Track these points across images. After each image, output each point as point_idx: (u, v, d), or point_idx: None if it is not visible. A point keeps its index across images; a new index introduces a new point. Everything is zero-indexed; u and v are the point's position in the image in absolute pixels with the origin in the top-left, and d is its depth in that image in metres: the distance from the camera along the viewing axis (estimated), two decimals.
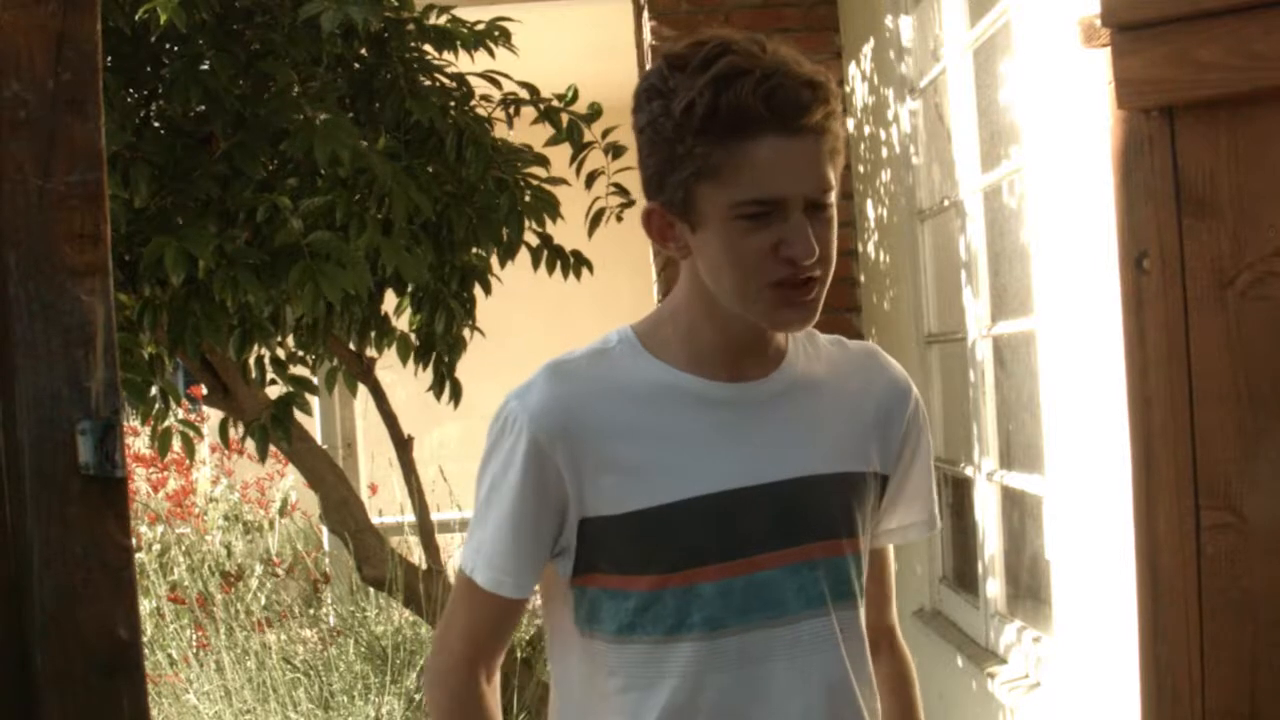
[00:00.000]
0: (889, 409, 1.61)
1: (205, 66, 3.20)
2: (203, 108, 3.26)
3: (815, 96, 1.40)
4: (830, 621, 1.52)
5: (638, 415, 1.50)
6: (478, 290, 3.85)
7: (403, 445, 4.24)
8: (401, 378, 4.16)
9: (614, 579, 1.49)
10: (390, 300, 3.81)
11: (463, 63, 3.68)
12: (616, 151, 3.78)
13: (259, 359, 3.71)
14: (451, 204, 3.57)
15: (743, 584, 1.48)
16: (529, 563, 1.52)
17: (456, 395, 3.82)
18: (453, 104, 3.64)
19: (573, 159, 3.79)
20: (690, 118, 1.39)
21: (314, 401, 4.64)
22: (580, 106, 3.83)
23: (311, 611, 5.68)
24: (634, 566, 1.48)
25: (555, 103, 3.80)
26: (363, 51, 3.60)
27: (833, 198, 1.44)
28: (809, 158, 1.41)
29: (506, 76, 3.72)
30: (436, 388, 3.84)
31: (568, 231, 3.83)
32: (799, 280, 1.42)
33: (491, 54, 3.66)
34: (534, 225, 3.75)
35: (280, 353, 3.70)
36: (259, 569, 5.97)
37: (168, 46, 3.36)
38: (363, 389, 4.18)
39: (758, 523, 1.49)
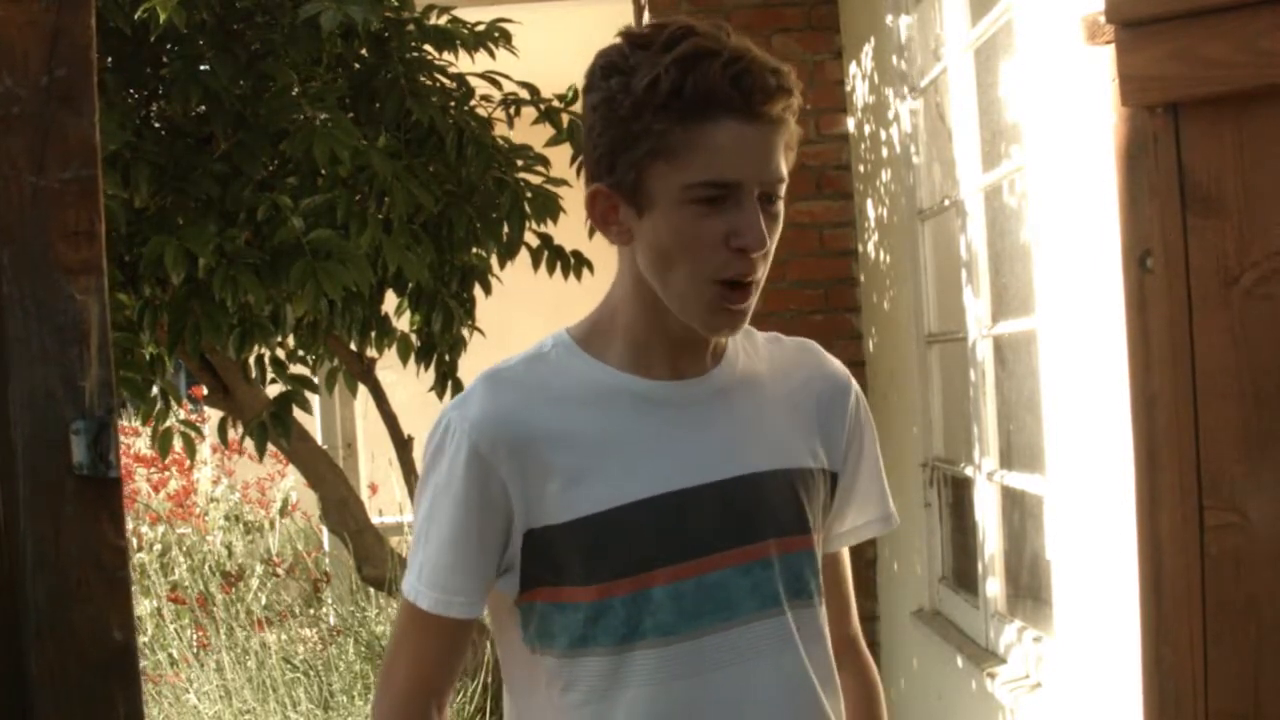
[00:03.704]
0: (830, 404, 1.58)
1: (205, 66, 3.19)
2: (203, 108, 3.26)
3: (780, 85, 1.38)
4: (786, 621, 1.49)
5: (579, 420, 1.46)
6: (478, 290, 3.84)
7: (403, 445, 4.24)
8: (402, 378, 4.16)
9: (562, 591, 1.45)
10: (390, 301, 3.81)
11: (463, 63, 3.68)
12: None
13: (259, 358, 3.71)
14: (452, 203, 3.56)
15: (694, 586, 1.45)
16: (477, 580, 1.47)
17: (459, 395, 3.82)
18: (453, 104, 3.63)
19: (573, 159, 3.79)
20: (653, 94, 1.36)
21: (314, 401, 4.64)
22: (580, 107, 3.82)
23: (311, 611, 5.68)
24: (581, 576, 1.44)
25: (555, 103, 3.80)
26: (363, 51, 3.60)
27: (783, 190, 1.43)
28: (766, 146, 1.39)
29: (506, 77, 3.72)
30: (439, 387, 3.84)
31: (568, 231, 3.82)
32: (740, 281, 1.40)
33: (492, 54, 3.65)
34: (534, 225, 3.75)
35: (280, 352, 3.70)
36: (259, 569, 5.97)
37: (168, 46, 3.36)
38: (363, 389, 4.18)
39: (707, 522, 1.46)
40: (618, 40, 1.44)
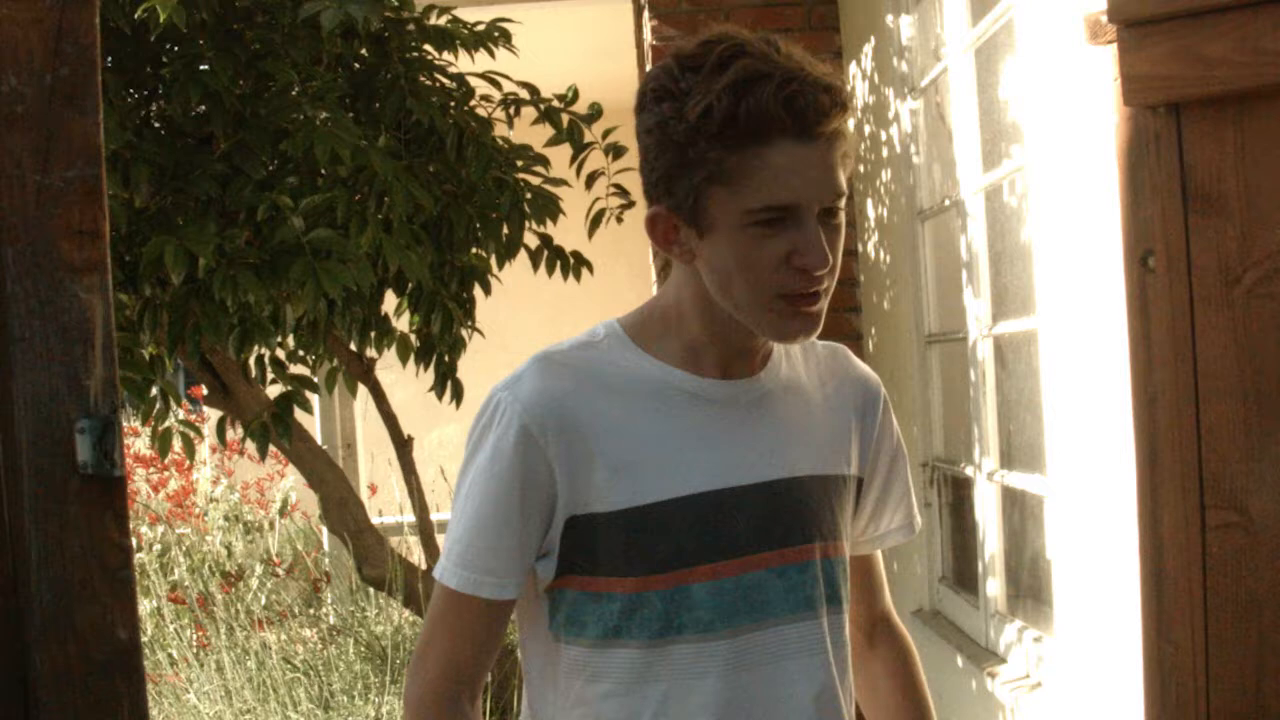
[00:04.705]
0: (864, 409, 1.60)
1: (205, 66, 3.19)
2: (203, 108, 3.26)
3: (834, 102, 1.37)
4: (818, 625, 1.50)
5: (629, 410, 1.46)
6: (478, 290, 3.84)
7: (403, 445, 4.24)
8: (401, 378, 4.16)
9: (598, 581, 1.45)
10: (390, 301, 3.81)
11: (463, 63, 3.68)
12: (617, 152, 3.78)
13: (259, 358, 3.71)
14: (452, 204, 3.56)
15: (732, 585, 1.46)
16: (512, 561, 1.45)
17: (458, 395, 3.82)
18: (453, 104, 3.63)
19: (573, 159, 3.79)
20: (707, 122, 1.35)
21: (314, 401, 4.64)
22: (580, 107, 3.83)
23: (311, 611, 5.68)
24: (621, 567, 1.44)
25: (555, 103, 3.80)
26: (363, 51, 3.60)
27: (843, 204, 1.42)
28: (824, 164, 1.38)
29: (506, 77, 3.72)
30: (438, 387, 3.84)
31: (568, 232, 3.82)
32: (807, 291, 1.40)
33: (492, 54, 3.65)
34: (534, 226, 3.75)
35: (280, 352, 3.70)
36: (259, 569, 5.97)
37: (168, 46, 3.36)
38: (363, 389, 4.18)
39: (748, 522, 1.47)
40: (668, 61, 1.42)
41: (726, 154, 1.36)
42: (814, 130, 1.36)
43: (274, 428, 3.55)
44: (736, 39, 1.38)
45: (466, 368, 3.88)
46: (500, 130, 3.75)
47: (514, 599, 1.49)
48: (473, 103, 3.70)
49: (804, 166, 1.37)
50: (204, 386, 3.97)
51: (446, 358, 3.81)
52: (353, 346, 3.90)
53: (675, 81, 1.39)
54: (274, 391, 3.71)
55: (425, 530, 4.37)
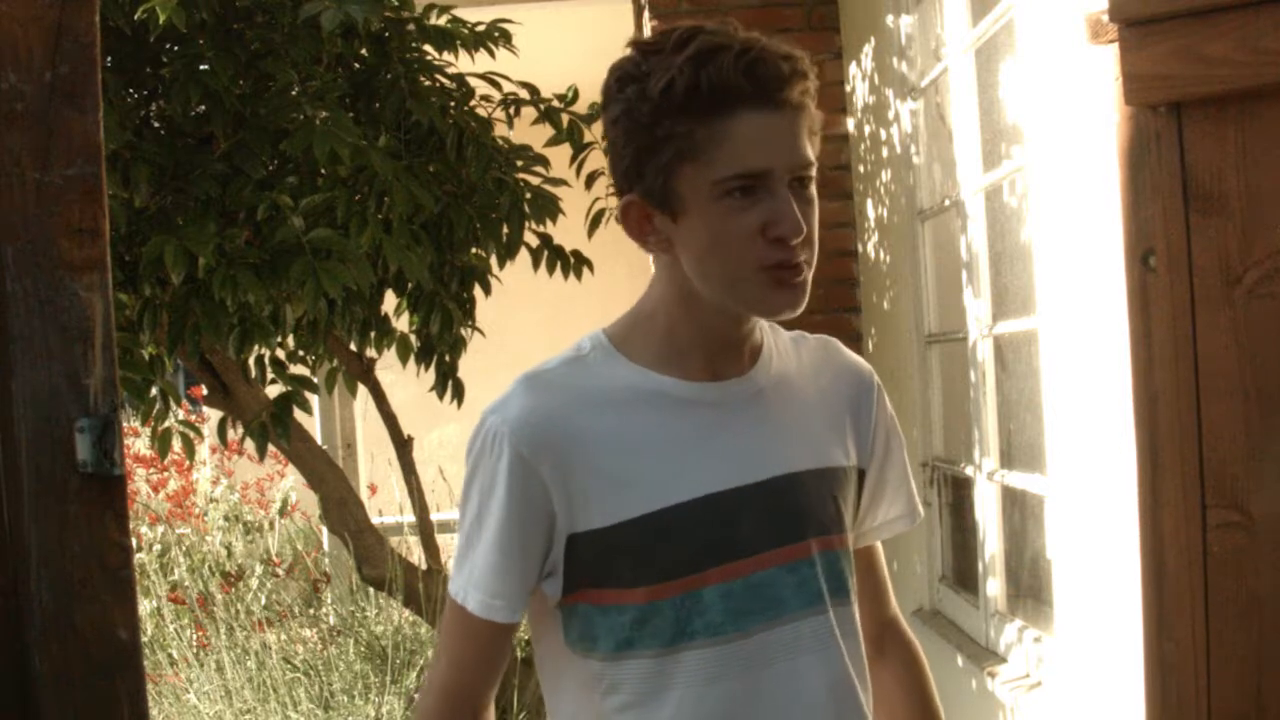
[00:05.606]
0: (858, 400, 1.60)
1: (205, 66, 3.19)
2: (203, 108, 3.26)
3: (794, 69, 1.38)
4: (829, 619, 1.50)
5: (620, 422, 1.45)
6: (478, 290, 3.84)
7: (403, 445, 4.24)
8: (402, 378, 4.16)
9: (607, 594, 1.45)
10: (390, 301, 3.81)
11: (463, 63, 3.68)
12: None
13: (259, 358, 3.71)
14: (452, 204, 3.56)
15: (741, 586, 1.45)
16: (520, 584, 1.47)
17: (459, 395, 3.82)
18: (453, 104, 3.63)
19: (573, 159, 3.79)
20: (670, 97, 1.36)
21: (314, 401, 4.64)
22: (580, 107, 3.83)
23: (311, 611, 5.68)
24: (629, 579, 1.44)
25: (555, 103, 3.80)
26: (363, 51, 3.60)
27: (814, 173, 1.42)
28: (789, 132, 1.38)
29: (506, 77, 3.72)
30: (439, 387, 3.84)
31: (568, 231, 3.82)
32: (789, 263, 1.40)
33: (492, 54, 3.65)
34: (534, 225, 3.75)
35: (280, 352, 3.70)
36: (259, 569, 5.97)
37: (168, 46, 3.36)
38: (363, 389, 4.18)
39: (751, 523, 1.47)
40: (628, 50, 1.43)
41: (693, 126, 1.36)
42: (776, 97, 1.37)
43: (274, 428, 3.55)
44: (693, 24, 1.40)
45: (467, 367, 3.88)
46: (500, 130, 3.75)
47: (519, 620, 1.50)
48: (473, 103, 3.70)
49: (770, 134, 1.37)
50: (204, 386, 3.97)
51: (447, 358, 3.81)
52: (353, 346, 3.90)
53: (637, 66, 1.40)
54: (274, 391, 3.71)
55: (425, 530, 4.37)
